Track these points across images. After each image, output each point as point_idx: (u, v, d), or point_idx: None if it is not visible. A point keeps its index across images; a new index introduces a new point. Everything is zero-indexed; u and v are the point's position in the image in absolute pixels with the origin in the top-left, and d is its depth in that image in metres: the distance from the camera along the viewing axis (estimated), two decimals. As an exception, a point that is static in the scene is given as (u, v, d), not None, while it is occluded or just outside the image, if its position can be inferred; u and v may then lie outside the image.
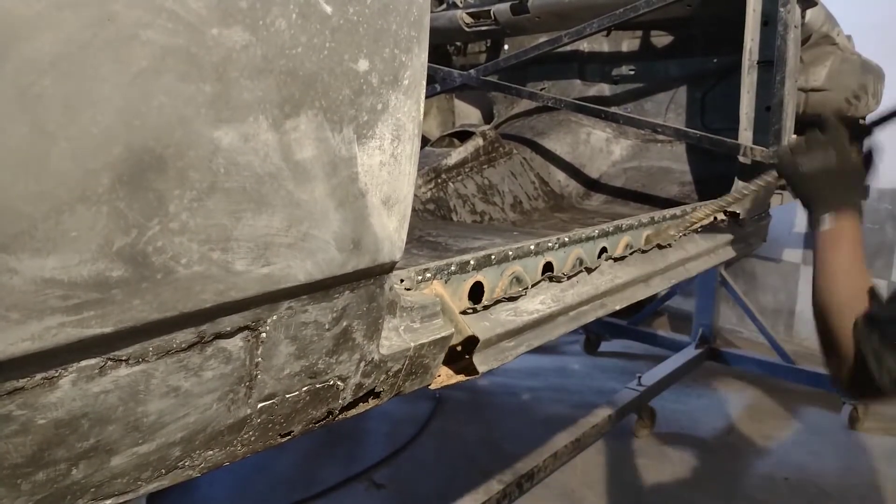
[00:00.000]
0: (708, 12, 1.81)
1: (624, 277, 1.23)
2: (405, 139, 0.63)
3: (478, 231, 1.37)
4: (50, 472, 0.47)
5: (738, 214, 1.62)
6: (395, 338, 0.74)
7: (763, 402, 3.11)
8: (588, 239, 1.14)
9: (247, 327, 0.56)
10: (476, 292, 0.92)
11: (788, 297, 3.73)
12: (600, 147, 2.20)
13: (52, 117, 0.39)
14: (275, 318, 0.57)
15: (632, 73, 2.17)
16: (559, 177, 2.10)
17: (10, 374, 0.42)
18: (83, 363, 0.46)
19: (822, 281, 1.02)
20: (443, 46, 2.46)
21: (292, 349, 0.61)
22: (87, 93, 0.40)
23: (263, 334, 0.57)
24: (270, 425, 0.64)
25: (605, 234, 1.19)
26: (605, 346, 3.77)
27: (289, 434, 0.68)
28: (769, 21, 1.58)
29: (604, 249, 1.19)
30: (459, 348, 0.88)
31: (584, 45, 2.21)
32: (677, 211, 1.45)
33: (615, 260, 1.23)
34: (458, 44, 2.47)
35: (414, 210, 1.34)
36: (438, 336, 0.79)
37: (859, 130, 1.15)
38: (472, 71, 1.99)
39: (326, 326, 0.63)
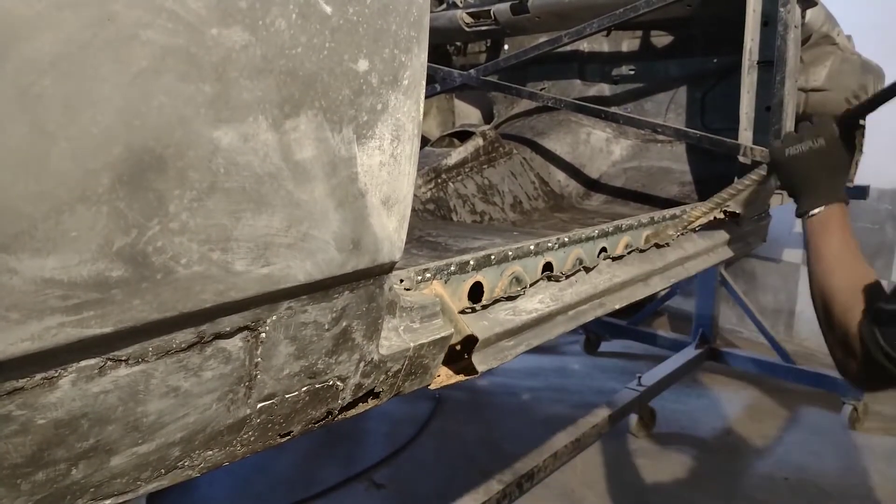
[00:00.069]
0: (708, 12, 1.81)
1: (622, 277, 1.23)
2: (405, 139, 0.63)
3: (478, 231, 1.37)
4: (49, 472, 0.47)
5: (738, 213, 1.62)
6: (395, 338, 0.74)
7: (763, 402, 3.11)
8: (588, 239, 1.14)
9: (246, 327, 0.56)
10: (476, 292, 0.92)
11: (788, 297, 3.74)
12: (600, 147, 2.20)
13: (52, 117, 0.39)
14: (274, 318, 0.57)
15: (632, 73, 2.17)
16: (559, 177, 2.10)
17: (9, 374, 0.42)
18: (83, 363, 0.46)
19: (816, 266, 1.03)
20: (443, 46, 2.46)
21: (292, 349, 0.61)
22: (87, 93, 0.40)
23: (263, 334, 0.57)
24: (270, 425, 0.64)
25: (605, 235, 1.19)
26: (605, 346, 3.78)
27: (288, 434, 0.68)
28: (769, 21, 1.58)
29: (603, 250, 1.19)
30: (458, 348, 0.88)
31: (584, 45, 2.21)
32: (677, 211, 1.45)
33: (613, 259, 1.23)
34: (458, 44, 2.47)
35: (414, 210, 1.34)
36: (438, 336, 0.79)
37: (848, 119, 1.16)
38: (472, 71, 1.99)
39: (326, 326, 0.63)
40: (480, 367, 0.89)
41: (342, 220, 0.58)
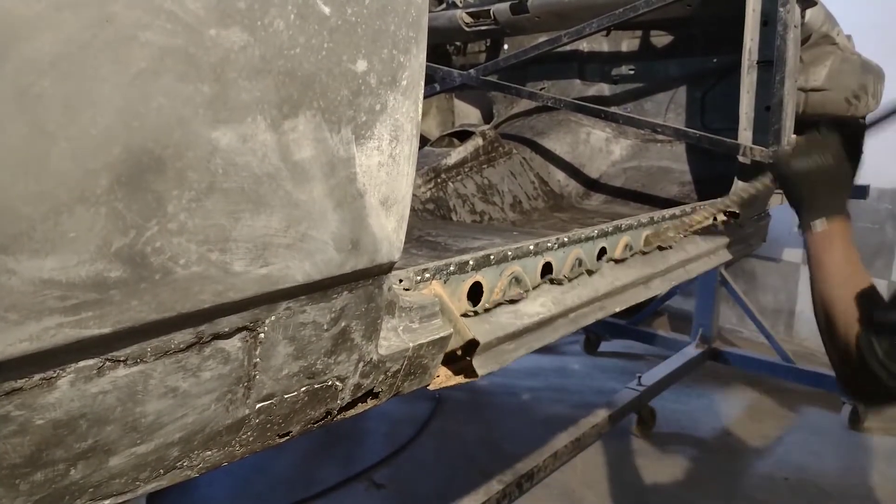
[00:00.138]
0: (708, 12, 1.81)
1: (624, 280, 1.23)
2: (403, 140, 0.63)
3: (477, 231, 1.37)
4: (48, 473, 0.47)
5: (738, 215, 1.62)
6: (394, 338, 0.74)
7: (763, 402, 3.11)
8: (587, 239, 1.14)
9: (245, 328, 0.56)
10: (475, 292, 0.92)
11: (788, 297, 3.74)
12: (600, 147, 2.20)
13: (52, 118, 0.39)
14: (273, 318, 0.57)
15: (631, 72, 2.17)
16: (559, 177, 2.10)
17: (8, 374, 0.42)
18: (81, 364, 0.46)
19: (819, 281, 1.03)
20: (442, 46, 2.46)
21: (291, 350, 0.61)
22: (87, 93, 0.40)
23: (262, 335, 0.57)
24: (269, 426, 0.64)
25: (605, 235, 1.19)
26: (605, 346, 3.78)
27: (287, 434, 0.68)
28: (769, 21, 1.58)
29: (603, 250, 1.19)
30: (460, 352, 0.88)
31: (584, 45, 2.21)
32: (677, 211, 1.45)
33: (616, 262, 1.23)
34: (458, 43, 2.47)
35: (413, 210, 1.34)
36: (437, 336, 0.79)
37: (854, 133, 1.15)
38: (471, 71, 1.99)
39: (325, 327, 0.63)
40: (481, 371, 0.89)
41: (341, 220, 0.58)
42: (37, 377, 0.44)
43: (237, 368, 0.57)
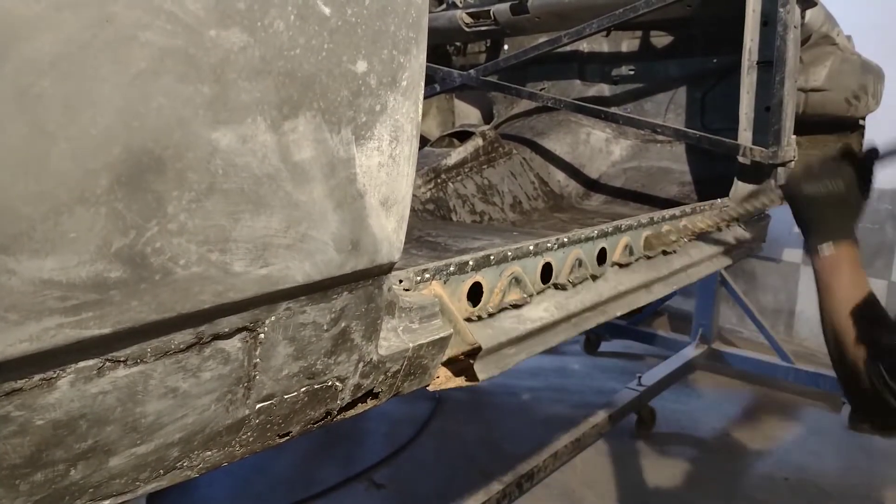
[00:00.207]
0: (708, 12, 1.81)
1: (627, 284, 1.23)
2: (403, 140, 0.63)
3: (477, 231, 1.37)
4: (48, 473, 0.47)
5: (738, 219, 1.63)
6: (394, 338, 0.74)
7: (763, 402, 3.11)
8: (587, 239, 1.14)
9: (245, 328, 0.56)
10: (475, 293, 0.92)
11: (788, 297, 3.73)
12: (600, 147, 2.20)
13: (52, 118, 0.39)
14: (273, 318, 0.57)
15: (631, 73, 2.17)
16: (559, 177, 2.10)
17: (8, 375, 0.42)
18: (81, 364, 0.46)
19: (828, 308, 1.03)
20: (442, 46, 2.46)
21: (291, 350, 0.61)
22: (87, 94, 0.40)
23: (262, 335, 0.57)
24: (269, 426, 0.64)
25: (605, 235, 1.19)
26: (605, 346, 3.78)
27: (287, 435, 0.68)
28: (769, 21, 1.58)
29: (603, 250, 1.19)
30: (462, 357, 0.88)
31: (584, 46, 2.21)
32: (677, 211, 1.45)
33: (621, 266, 1.23)
34: (458, 44, 2.47)
35: (413, 210, 1.34)
36: (437, 337, 0.79)
37: (867, 162, 1.15)
38: (471, 71, 1.99)
39: (325, 327, 0.63)
40: (482, 376, 0.89)
41: (341, 220, 0.58)
42: (37, 377, 0.44)
43: (237, 369, 0.57)
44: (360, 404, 0.76)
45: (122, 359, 0.48)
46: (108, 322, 0.44)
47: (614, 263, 1.22)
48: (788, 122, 1.62)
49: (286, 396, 0.63)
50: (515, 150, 1.99)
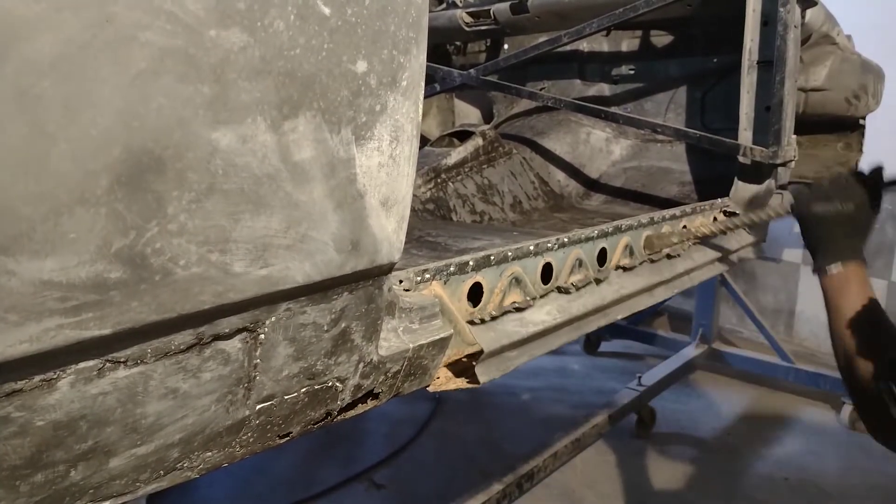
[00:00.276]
0: (708, 12, 1.81)
1: (630, 288, 1.23)
2: (403, 140, 0.63)
3: (477, 231, 1.37)
4: (48, 474, 0.47)
5: (737, 214, 1.62)
6: (394, 339, 0.74)
7: (763, 402, 3.11)
8: (587, 239, 1.14)
9: (245, 329, 0.56)
10: (475, 293, 0.92)
11: (788, 297, 3.73)
12: (600, 147, 2.20)
13: (52, 118, 0.39)
14: (273, 319, 0.57)
15: (631, 72, 2.17)
16: (559, 177, 2.10)
17: (8, 375, 0.42)
18: (81, 365, 0.46)
19: (837, 327, 1.03)
20: (442, 46, 2.46)
21: (291, 350, 0.61)
22: (87, 94, 0.40)
23: (262, 336, 0.57)
24: (269, 426, 0.64)
25: (605, 235, 1.19)
26: (605, 346, 3.77)
27: (287, 435, 0.68)
28: (769, 21, 1.58)
29: (603, 250, 1.19)
30: (465, 359, 0.88)
31: (584, 45, 2.21)
32: (677, 211, 1.45)
33: (624, 270, 1.23)
34: (458, 43, 2.47)
35: (413, 210, 1.34)
36: (437, 337, 0.79)
37: (876, 181, 1.15)
38: (471, 71, 1.99)
39: (325, 328, 0.63)
40: (483, 379, 0.89)
41: (341, 221, 0.58)
42: (37, 378, 0.44)
43: (237, 369, 0.57)
44: (360, 405, 0.76)
45: (122, 359, 0.48)
46: (109, 323, 0.44)
47: (618, 267, 1.22)
48: (789, 122, 1.62)
49: (286, 397, 0.63)
50: (515, 149, 1.99)
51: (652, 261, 1.32)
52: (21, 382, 0.43)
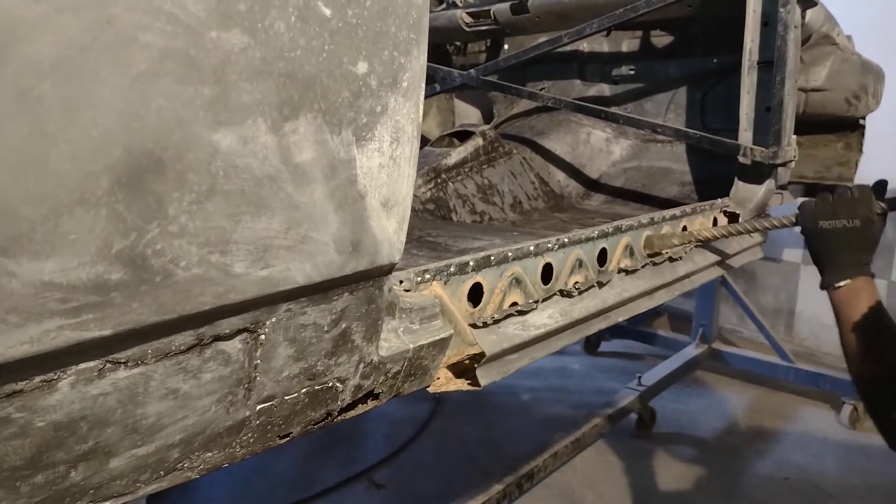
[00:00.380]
0: (708, 12, 1.81)
1: (632, 291, 1.23)
2: (404, 141, 0.63)
3: (477, 231, 1.37)
4: (49, 475, 0.47)
5: (737, 214, 1.63)
6: (395, 339, 0.74)
7: (763, 402, 3.11)
8: (588, 240, 1.14)
9: (246, 329, 0.56)
10: (475, 293, 0.92)
11: (788, 297, 3.73)
12: (600, 147, 2.20)
13: (52, 119, 0.39)
14: (274, 320, 0.57)
15: (632, 73, 2.17)
16: (559, 177, 2.10)
17: (9, 376, 0.42)
18: (82, 366, 0.46)
19: (849, 342, 1.03)
20: (443, 46, 2.45)
21: (291, 351, 0.61)
22: (87, 95, 0.40)
23: (262, 336, 0.57)
24: (269, 427, 0.64)
25: (605, 235, 1.19)
26: (605, 346, 3.77)
27: (288, 436, 0.68)
28: (769, 21, 1.58)
29: (603, 250, 1.19)
30: (467, 362, 0.88)
31: (584, 45, 2.21)
32: (677, 211, 1.45)
33: (627, 273, 1.23)
34: (458, 43, 2.47)
35: (413, 210, 1.34)
36: (437, 337, 0.79)
37: (882, 195, 1.14)
38: (471, 71, 1.99)
39: (325, 328, 0.63)
40: (484, 381, 0.89)
41: (341, 222, 0.58)
42: (37, 379, 0.44)
43: (238, 370, 0.57)
44: (360, 405, 0.76)
45: (122, 360, 0.48)
46: (109, 324, 0.44)
47: (620, 270, 1.21)
48: (789, 122, 1.62)
49: (287, 397, 0.63)
50: (515, 149, 1.99)
51: (654, 264, 1.32)
52: (21, 383, 0.43)
